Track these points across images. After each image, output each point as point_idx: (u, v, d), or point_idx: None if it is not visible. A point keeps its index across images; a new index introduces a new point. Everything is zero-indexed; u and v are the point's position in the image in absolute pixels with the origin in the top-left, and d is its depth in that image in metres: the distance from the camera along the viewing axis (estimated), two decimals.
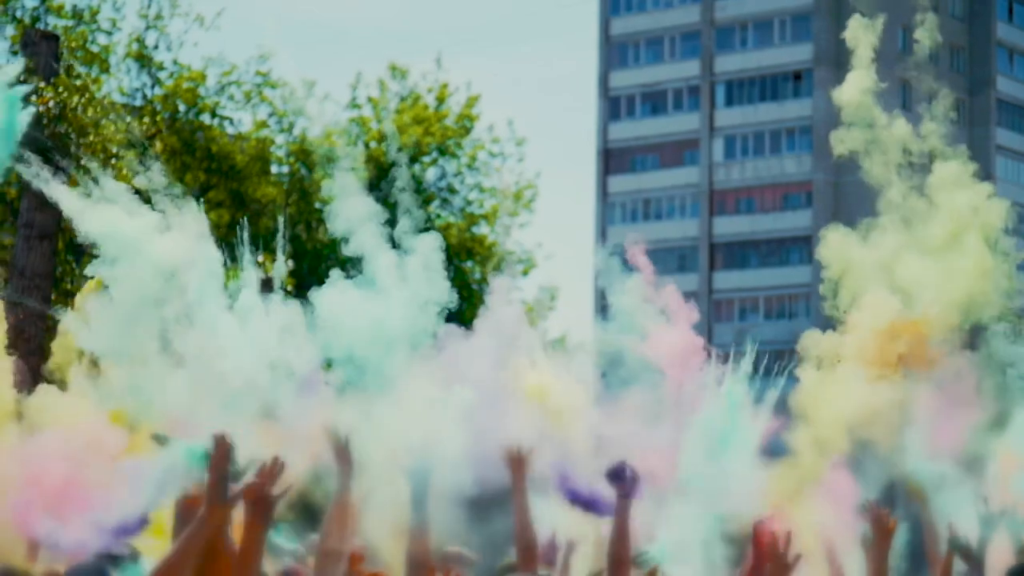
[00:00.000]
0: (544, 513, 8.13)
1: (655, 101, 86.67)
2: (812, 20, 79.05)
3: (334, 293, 7.06)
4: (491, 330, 8.01)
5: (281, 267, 7.38)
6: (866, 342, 9.69)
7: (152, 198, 6.89)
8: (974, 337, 10.11)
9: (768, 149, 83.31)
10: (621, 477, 7.61)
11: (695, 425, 7.94)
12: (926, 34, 11.61)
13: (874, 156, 10.50)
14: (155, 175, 6.93)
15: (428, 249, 7.32)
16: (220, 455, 5.44)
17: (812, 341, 10.01)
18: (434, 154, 38.69)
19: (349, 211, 7.27)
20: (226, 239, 7.03)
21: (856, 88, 10.54)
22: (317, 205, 33.62)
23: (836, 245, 10.35)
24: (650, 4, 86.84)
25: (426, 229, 7.46)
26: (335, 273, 7.12)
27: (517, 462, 7.79)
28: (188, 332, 6.75)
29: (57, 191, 6.81)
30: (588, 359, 8.83)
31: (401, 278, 7.21)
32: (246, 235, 7.09)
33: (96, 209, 6.74)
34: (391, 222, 7.36)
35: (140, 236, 6.72)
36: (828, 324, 10.23)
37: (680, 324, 9.01)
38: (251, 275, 7.03)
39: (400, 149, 35.04)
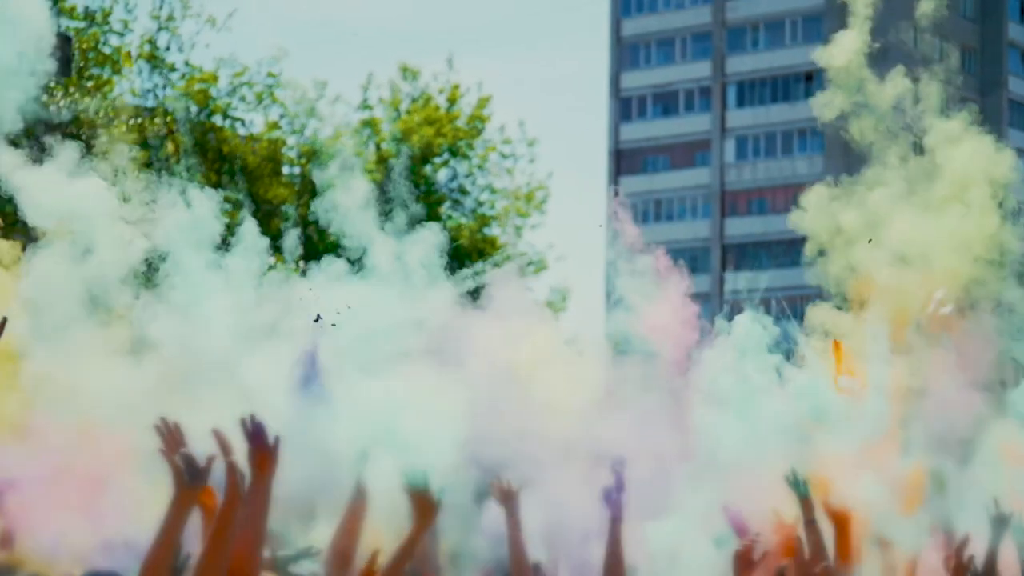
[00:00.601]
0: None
1: (666, 102, 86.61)
2: (823, 21, 78.95)
3: (326, 277, 7.00)
4: (496, 309, 7.94)
5: (293, 246, 7.33)
6: (882, 321, 9.39)
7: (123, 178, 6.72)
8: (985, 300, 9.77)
9: (780, 150, 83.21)
10: (611, 496, 7.45)
11: (708, 390, 7.84)
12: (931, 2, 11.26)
13: (863, 118, 10.13)
14: (120, 155, 6.78)
15: (427, 241, 7.27)
16: (170, 437, 5.44)
17: (819, 316, 9.77)
18: (445, 155, 38.69)
19: (346, 200, 7.21)
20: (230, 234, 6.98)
21: (845, 49, 10.12)
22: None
23: (817, 205, 9.98)
24: (661, 5, 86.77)
25: (424, 220, 7.42)
26: (329, 259, 7.05)
27: (507, 496, 7.66)
28: (160, 315, 6.63)
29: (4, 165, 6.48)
30: (600, 353, 8.74)
31: (397, 267, 7.16)
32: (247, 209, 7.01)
33: (41, 184, 6.49)
34: (389, 213, 7.32)
35: (88, 211, 6.50)
36: None
37: (670, 293, 8.85)
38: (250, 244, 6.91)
39: (400, 140, 35.00)
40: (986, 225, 9.57)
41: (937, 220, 9.60)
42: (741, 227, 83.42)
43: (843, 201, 10.05)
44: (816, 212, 10.00)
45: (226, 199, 6.99)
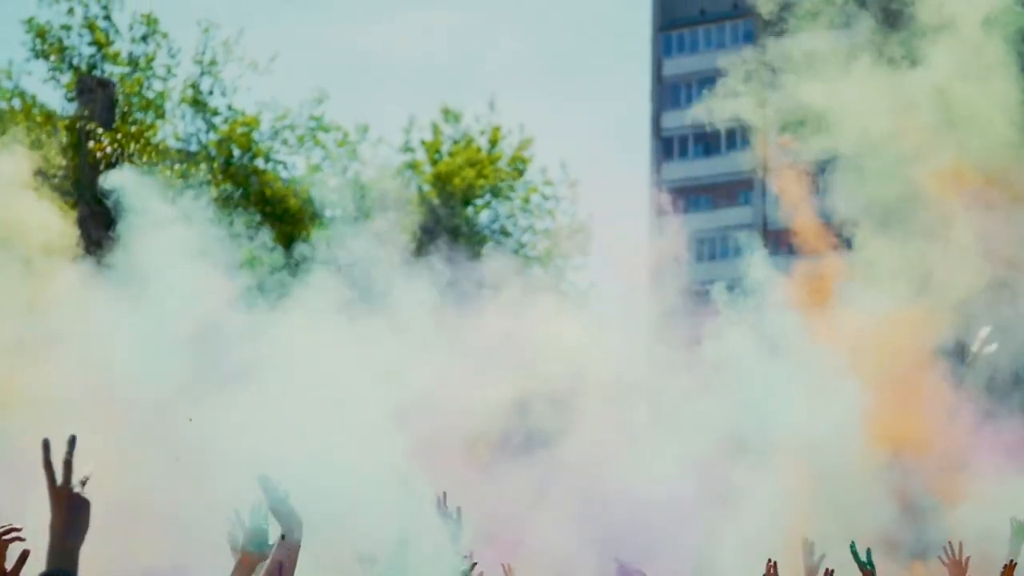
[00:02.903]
0: None
1: (708, 142, 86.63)
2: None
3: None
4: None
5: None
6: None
7: None
8: None
9: (823, 188, 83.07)
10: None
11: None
12: None
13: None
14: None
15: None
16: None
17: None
18: (487, 197, 38.80)
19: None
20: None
21: None
22: None
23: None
24: (702, 45, 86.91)
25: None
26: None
27: None
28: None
29: None
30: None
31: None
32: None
33: None
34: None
35: None
36: None
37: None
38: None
39: (444, 183, 35.04)
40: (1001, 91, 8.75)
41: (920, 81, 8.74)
42: (785, 266, 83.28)
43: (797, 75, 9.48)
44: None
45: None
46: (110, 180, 6.77)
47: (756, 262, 8.13)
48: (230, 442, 5.91)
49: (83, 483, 4.19)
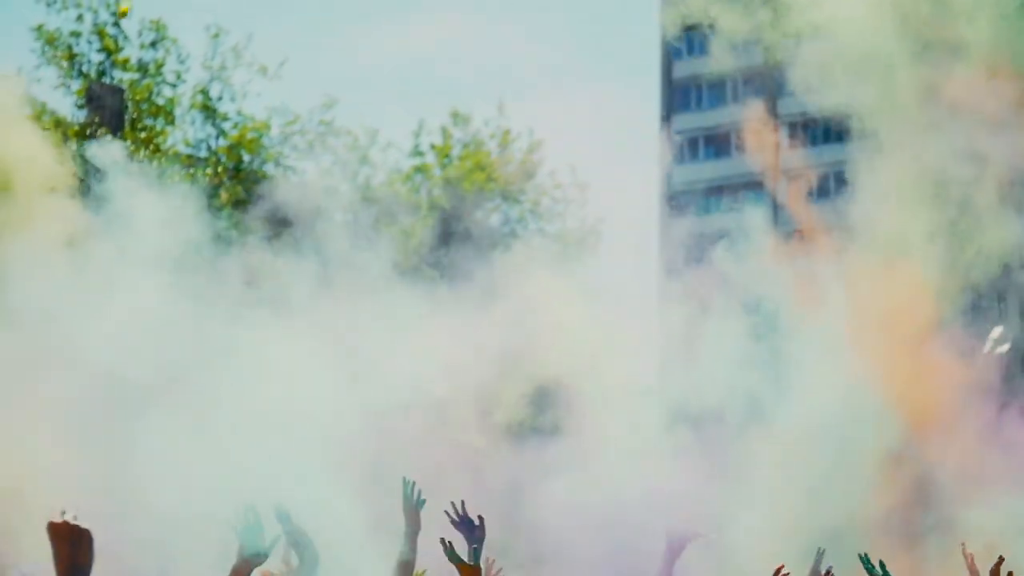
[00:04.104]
0: None
1: (718, 144, 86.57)
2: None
3: None
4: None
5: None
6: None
7: None
8: None
9: (833, 191, 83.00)
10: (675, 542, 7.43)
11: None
12: None
13: None
14: None
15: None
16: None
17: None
18: (497, 200, 38.79)
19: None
20: None
21: None
22: None
23: None
24: (712, 47, 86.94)
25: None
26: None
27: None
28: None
29: None
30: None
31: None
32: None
33: None
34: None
35: None
36: None
37: None
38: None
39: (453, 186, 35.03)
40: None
41: None
42: (795, 265, 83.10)
43: None
44: None
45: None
46: (92, 151, 6.73)
47: (752, 215, 8.14)
48: (192, 445, 5.86)
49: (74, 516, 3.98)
